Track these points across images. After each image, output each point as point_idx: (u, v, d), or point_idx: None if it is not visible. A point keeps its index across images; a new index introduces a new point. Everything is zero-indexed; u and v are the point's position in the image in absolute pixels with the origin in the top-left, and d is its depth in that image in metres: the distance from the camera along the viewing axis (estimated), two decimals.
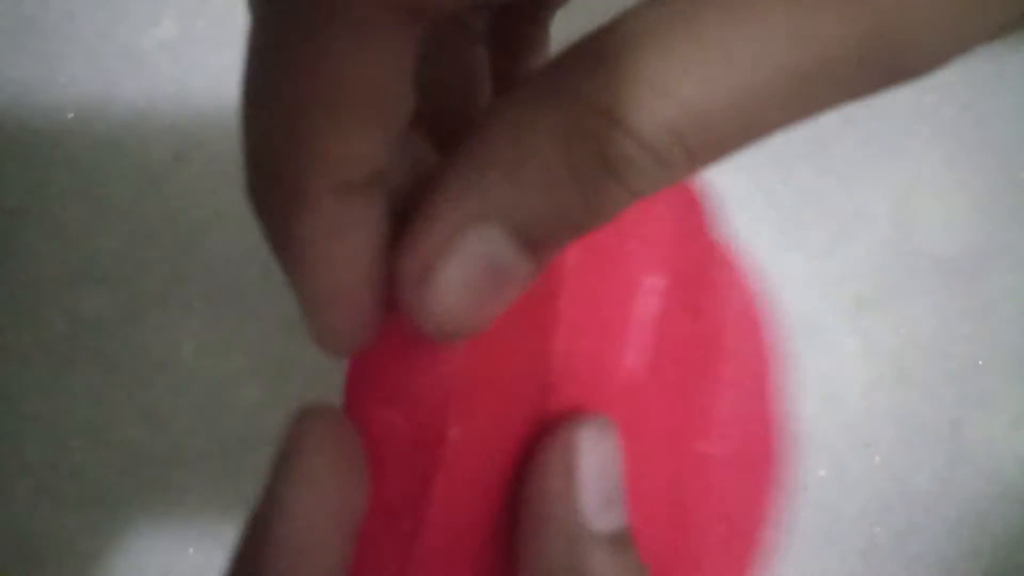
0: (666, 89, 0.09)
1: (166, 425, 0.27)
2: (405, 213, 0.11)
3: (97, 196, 0.28)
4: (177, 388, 0.27)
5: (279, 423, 0.29)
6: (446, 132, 0.14)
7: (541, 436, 0.12)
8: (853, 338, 0.29)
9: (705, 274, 0.15)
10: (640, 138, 0.09)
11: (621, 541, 0.12)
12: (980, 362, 0.29)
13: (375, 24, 0.09)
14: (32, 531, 0.27)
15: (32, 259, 0.27)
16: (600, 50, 0.09)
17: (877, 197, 0.29)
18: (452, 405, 0.12)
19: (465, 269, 0.10)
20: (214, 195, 0.28)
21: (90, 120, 0.28)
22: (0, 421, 0.27)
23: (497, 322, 0.11)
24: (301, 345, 0.28)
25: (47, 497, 0.27)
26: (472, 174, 0.10)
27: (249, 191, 0.11)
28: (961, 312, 0.29)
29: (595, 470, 0.12)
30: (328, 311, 0.11)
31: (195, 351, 0.28)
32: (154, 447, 0.27)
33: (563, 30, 0.15)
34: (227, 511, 0.27)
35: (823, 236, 0.29)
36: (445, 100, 0.14)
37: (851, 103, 0.10)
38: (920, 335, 0.29)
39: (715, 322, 0.15)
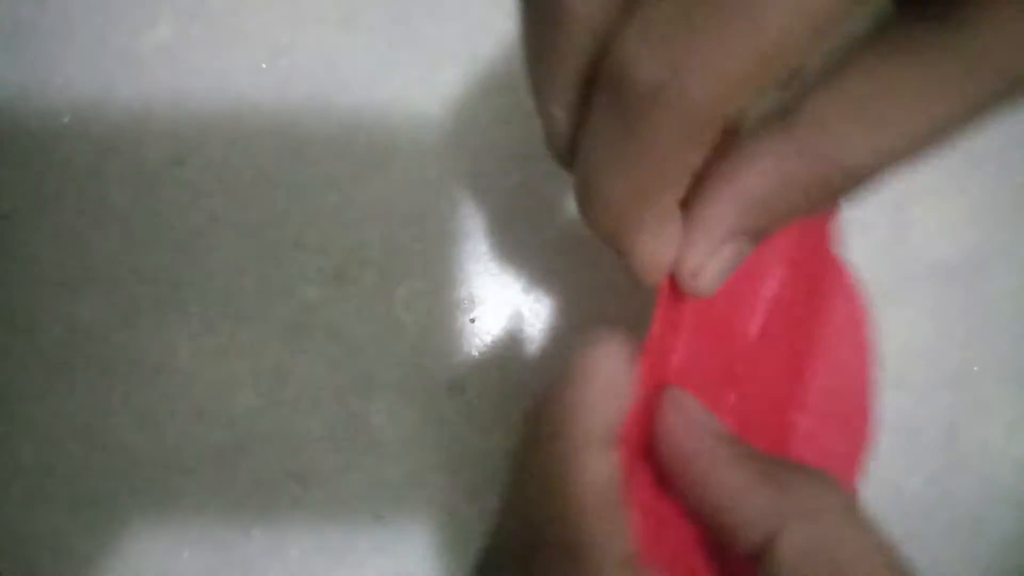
0: (877, 140, 0.14)
1: (162, 429, 0.27)
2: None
3: (93, 199, 0.28)
4: (173, 392, 0.27)
5: (275, 428, 0.29)
6: None
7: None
8: None
9: (819, 276, 0.19)
10: (855, 175, 0.14)
11: None
12: (976, 367, 0.29)
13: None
14: (28, 534, 0.27)
15: (28, 262, 0.27)
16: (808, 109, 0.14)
17: (872, 202, 0.29)
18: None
19: (722, 266, 0.16)
20: (211, 199, 0.28)
21: (86, 123, 0.28)
22: None
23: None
24: (297, 350, 0.28)
25: (43, 500, 0.27)
26: (730, 199, 0.15)
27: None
28: (957, 316, 0.29)
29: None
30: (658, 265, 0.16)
31: (191, 355, 0.28)
32: (150, 451, 0.27)
33: None
34: (223, 515, 0.27)
35: None
36: None
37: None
38: (916, 339, 0.29)
39: (820, 315, 0.19)
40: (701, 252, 0.15)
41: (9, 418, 0.27)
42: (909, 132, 0.14)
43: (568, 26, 0.13)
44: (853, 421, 0.19)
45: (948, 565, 0.29)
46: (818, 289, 0.19)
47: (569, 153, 0.15)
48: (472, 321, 0.28)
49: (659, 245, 0.15)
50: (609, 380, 0.15)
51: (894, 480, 0.29)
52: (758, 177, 0.15)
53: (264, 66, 0.28)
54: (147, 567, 0.27)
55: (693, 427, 0.16)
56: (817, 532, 0.15)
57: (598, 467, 0.14)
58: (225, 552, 0.27)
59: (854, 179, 0.14)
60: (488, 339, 0.28)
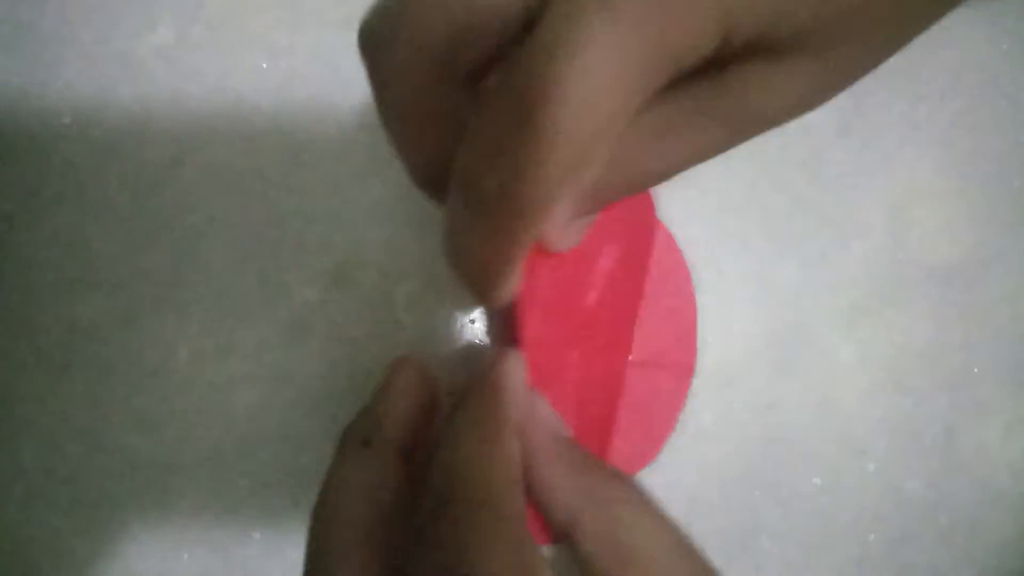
0: (656, 162, 0.18)
1: (162, 430, 0.27)
2: None
3: (93, 201, 0.28)
4: (173, 393, 0.27)
5: (275, 429, 0.29)
6: None
7: None
8: (847, 346, 0.29)
9: (645, 240, 0.24)
10: (652, 180, 0.19)
11: None
12: (975, 370, 0.29)
13: None
14: (27, 536, 0.27)
15: (28, 264, 0.27)
16: None
17: (871, 206, 0.29)
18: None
19: (573, 233, 0.20)
20: (210, 200, 0.28)
21: (86, 125, 0.28)
22: None
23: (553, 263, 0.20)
24: (297, 351, 0.28)
25: (42, 502, 0.27)
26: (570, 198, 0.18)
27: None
28: (955, 320, 0.29)
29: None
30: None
31: (191, 356, 0.28)
32: (149, 452, 0.27)
33: None
34: (222, 517, 0.27)
35: (817, 245, 0.29)
36: None
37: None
38: (914, 343, 0.29)
39: (645, 272, 0.24)
40: (559, 230, 0.20)
41: (9, 419, 0.27)
42: (680, 156, 0.18)
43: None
44: (681, 358, 0.23)
45: (946, 567, 0.29)
46: (644, 251, 0.24)
47: (434, 189, 0.19)
48: (472, 322, 0.28)
49: (511, 284, 0.18)
50: (517, 385, 0.20)
51: (893, 482, 0.29)
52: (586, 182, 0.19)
53: (264, 67, 0.28)
54: (146, 569, 0.27)
55: (539, 427, 0.20)
56: (608, 517, 0.18)
57: (512, 449, 0.19)
58: (225, 554, 0.27)
59: (647, 185, 0.19)
60: (488, 340, 0.28)
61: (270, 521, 0.27)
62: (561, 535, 0.18)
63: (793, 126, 0.28)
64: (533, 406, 0.20)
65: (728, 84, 0.18)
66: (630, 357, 0.23)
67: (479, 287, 0.18)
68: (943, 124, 0.29)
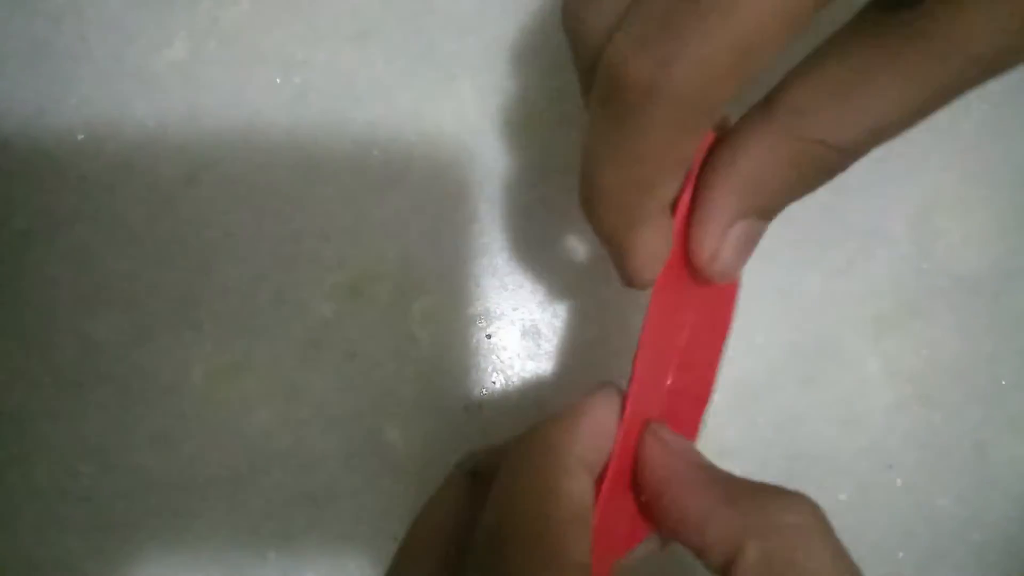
0: (851, 122, 0.16)
1: (176, 449, 0.27)
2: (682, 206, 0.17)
3: (108, 218, 0.28)
4: (187, 412, 0.27)
5: (290, 447, 0.28)
6: None
7: None
8: (874, 358, 0.28)
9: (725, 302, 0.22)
10: (844, 150, 0.16)
11: None
12: (1004, 382, 0.29)
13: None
14: (40, 557, 0.27)
15: (42, 281, 0.27)
16: (798, 93, 0.16)
17: (896, 214, 0.29)
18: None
19: (737, 245, 0.18)
20: (225, 216, 0.28)
21: (101, 141, 0.28)
22: (9, 445, 0.27)
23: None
24: (312, 368, 0.27)
25: (55, 522, 0.27)
26: (730, 184, 0.17)
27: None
28: (984, 330, 0.29)
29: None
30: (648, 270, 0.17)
31: (205, 374, 0.27)
32: (163, 472, 0.27)
33: None
34: (237, 537, 0.27)
35: (841, 255, 0.28)
36: None
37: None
38: (942, 355, 0.28)
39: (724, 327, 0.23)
40: (714, 236, 0.17)
41: (23, 438, 0.27)
42: (883, 113, 0.16)
43: (576, 43, 0.16)
44: (705, 373, 0.22)
45: None
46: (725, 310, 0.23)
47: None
48: (489, 337, 0.28)
49: (654, 239, 0.16)
50: (601, 421, 0.18)
51: (923, 499, 0.28)
52: (751, 161, 0.16)
53: (279, 82, 0.28)
54: None
55: (670, 454, 0.18)
56: (773, 548, 0.16)
57: (579, 486, 0.17)
58: (239, 575, 0.27)
59: (841, 155, 0.16)
60: (505, 355, 0.28)
61: (285, 541, 0.27)
62: (721, 571, 0.16)
63: None
64: (656, 435, 0.19)
65: (927, 15, 0.15)
66: (669, 381, 0.21)
67: (614, 235, 0.16)
68: (968, 131, 0.29)
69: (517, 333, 0.28)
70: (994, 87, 0.29)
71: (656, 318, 0.18)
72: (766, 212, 0.18)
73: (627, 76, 0.14)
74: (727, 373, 0.28)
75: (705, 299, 0.20)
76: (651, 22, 0.13)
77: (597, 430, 0.18)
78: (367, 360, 0.27)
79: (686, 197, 0.17)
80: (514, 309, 0.28)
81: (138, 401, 0.27)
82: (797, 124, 0.16)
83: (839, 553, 0.16)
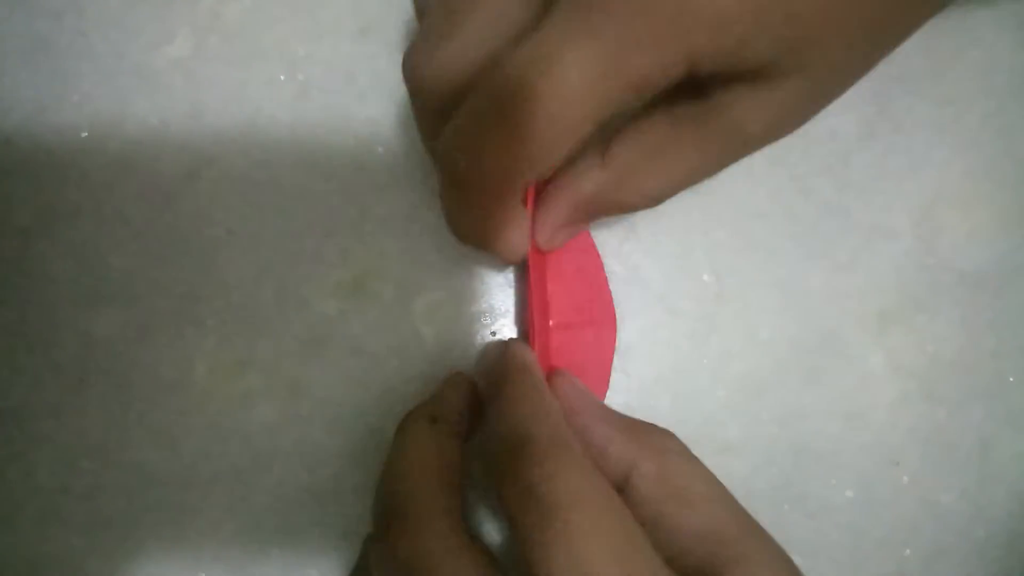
0: (659, 177, 0.22)
1: (178, 446, 0.27)
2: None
3: (109, 215, 0.27)
4: (189, 408, 0.27)
5: (292, 444, 0.28)
6: None
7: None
8: (877, 354, 0.28)
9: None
10: (652, 198, 0.23)
11: None
12: (1010, 378, 0.28)
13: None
14: (42, 554, 0.27)
15: (44, 278, 0.27)
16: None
17: (899, 210, 0.29)
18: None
19: (564, 238, 0.24)
20: (227, 213, 0.28)
21: (103, 138, 0.28)
22: (10, 442, 0.27)
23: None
24: (315, 364, 0.27)
25: (57, 519, 0.27)
26: (565, 204, 0.23)
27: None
28: (988, 326, 0.29)
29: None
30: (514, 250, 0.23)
31: (208, 371, 0.27)
32: (165, 469, 0.27)
33: None
34: (239, 534, 0.27)
35: (845, 250, 0.28)
36: None
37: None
38: (946, 351, 0.28)
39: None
40: (549, 232, 0.24)
41: (24, 435, 0.27)
42: (680, 173, 0.21)
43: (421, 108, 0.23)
44: (600, 313, 0.26)
45: None
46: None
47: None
48: (493, 334, 0.28)
49: (516, 236, 0.22)
50: (534, 362, 0.23)
51: (927, 494, 0.28)
52: (582, 194, 0.23)
53: (281, 78, 0.28)
54: None
55: (577, 393, 0.23)
56: (662, 464, 0.21)
57: (558, 407, 0.22)
58: (242, 572, 0.27)
59: (647, 200, 0.22)
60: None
61: (288, 538, 0.27)
62: (617, 485, 0.20)
63: (817, 130, 0.28)
64: (564, 377, 0.24)
65: (714, 106, 0.20)
66: (551, 322, 0.25)
67: (474, 242, 0.22)
68: (972, 126, 0.29)
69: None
70: (998, 83, 0.29)
71: (535, 272, 0.24)
72: (584, 223, 0.24)
73: (460, 167, 0.20)
74: (731, 368, 0.28)
75: (567, 248, 0.26)
76: (469, 126, 0.19)
77: (538, 370, 0.23)
78: (370, 357, 0.27)
79: (530, 206, 0.23)
80: (518, 305, 0.28)
81: (140, 398, 0.27)
82: (620, 177, 0.22)
83: (710, 474, 0.21)
